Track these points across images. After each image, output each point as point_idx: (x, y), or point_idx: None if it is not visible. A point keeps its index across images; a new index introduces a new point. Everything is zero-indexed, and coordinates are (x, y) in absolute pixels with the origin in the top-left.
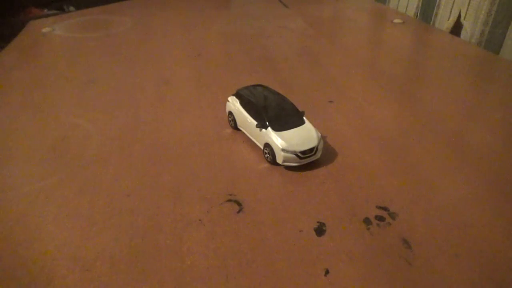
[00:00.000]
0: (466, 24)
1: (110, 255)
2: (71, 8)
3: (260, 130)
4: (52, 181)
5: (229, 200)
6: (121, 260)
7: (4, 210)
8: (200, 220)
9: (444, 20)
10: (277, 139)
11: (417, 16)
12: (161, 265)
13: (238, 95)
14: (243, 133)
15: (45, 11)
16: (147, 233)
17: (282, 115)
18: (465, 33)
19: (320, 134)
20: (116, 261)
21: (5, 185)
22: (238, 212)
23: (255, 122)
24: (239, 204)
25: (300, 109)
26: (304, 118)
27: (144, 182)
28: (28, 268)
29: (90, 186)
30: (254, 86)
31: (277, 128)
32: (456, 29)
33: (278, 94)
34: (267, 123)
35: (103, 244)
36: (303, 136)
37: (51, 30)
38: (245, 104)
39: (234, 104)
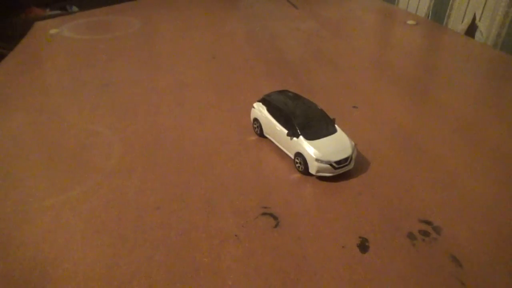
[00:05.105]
0: (481, 25)
1: (146, 274)
2: (74, 8)
3: (291, 138)
4: (75, 192)
5: (264, 214)
6: (159, 281)
7: (29, 225)
8: (236, 235)
9: (457, 21)
10: (310, 149)
11: (428, 17)
12: (201, 286)
13: (265, 101)
14: (269, 140)
15: (47, 11)
16: (182, 250)
17: (313, 123)
18: (479, 34)
19: (354, 143)
20: (154, 282)
21: (28, 196)
22: (275, 226)
23: (285, 130)
24: (275, 218)
25: None
26: (336, 125)
27: (173, 194)
28: None
29: (116, 198)
30: (281, 92)
31: (310, 136)
32: (470, 30)
33: (307, 100)
34: (298, 131)
35: (137, 263)
36: (337, 145)
37: (58, 31)
38: (273, 111)
39: (260, 111)
